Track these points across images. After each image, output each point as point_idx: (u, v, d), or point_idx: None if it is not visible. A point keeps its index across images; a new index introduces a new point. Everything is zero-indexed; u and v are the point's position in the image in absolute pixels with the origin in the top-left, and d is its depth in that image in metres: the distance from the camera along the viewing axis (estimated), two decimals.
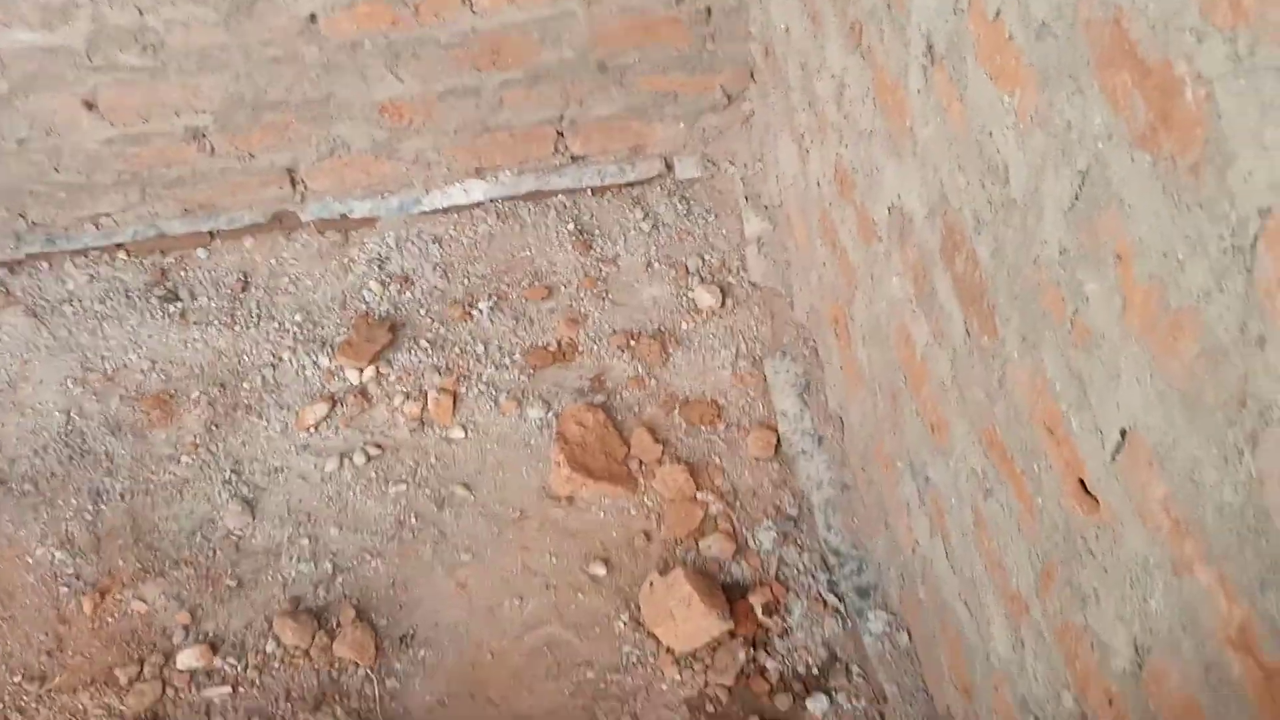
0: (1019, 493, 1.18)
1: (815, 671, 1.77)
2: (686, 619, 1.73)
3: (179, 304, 2.21)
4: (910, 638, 1.69)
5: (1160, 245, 0.82)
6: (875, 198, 1.52)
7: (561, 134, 2.32)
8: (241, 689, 1.71)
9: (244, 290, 2.26)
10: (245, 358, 2.15)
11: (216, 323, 2.20)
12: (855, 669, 1.77)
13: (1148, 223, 0.83)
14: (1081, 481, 1.03)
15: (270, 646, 1.74)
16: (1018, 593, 1.22)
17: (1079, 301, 0.96)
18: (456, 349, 2.18)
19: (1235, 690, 0.82)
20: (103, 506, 1.91)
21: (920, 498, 1.52)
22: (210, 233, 2.29)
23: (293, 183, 2.26)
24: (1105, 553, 1.00)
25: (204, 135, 2.10)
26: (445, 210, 2.37)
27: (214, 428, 2.03)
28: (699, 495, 1.97)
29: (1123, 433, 0.92)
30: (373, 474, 1.99)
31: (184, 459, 1.98)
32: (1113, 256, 0.90)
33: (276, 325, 2.20)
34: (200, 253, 2.29)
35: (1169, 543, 0.88)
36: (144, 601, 1.79)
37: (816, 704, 1.73)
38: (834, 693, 1.74)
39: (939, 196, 1.27)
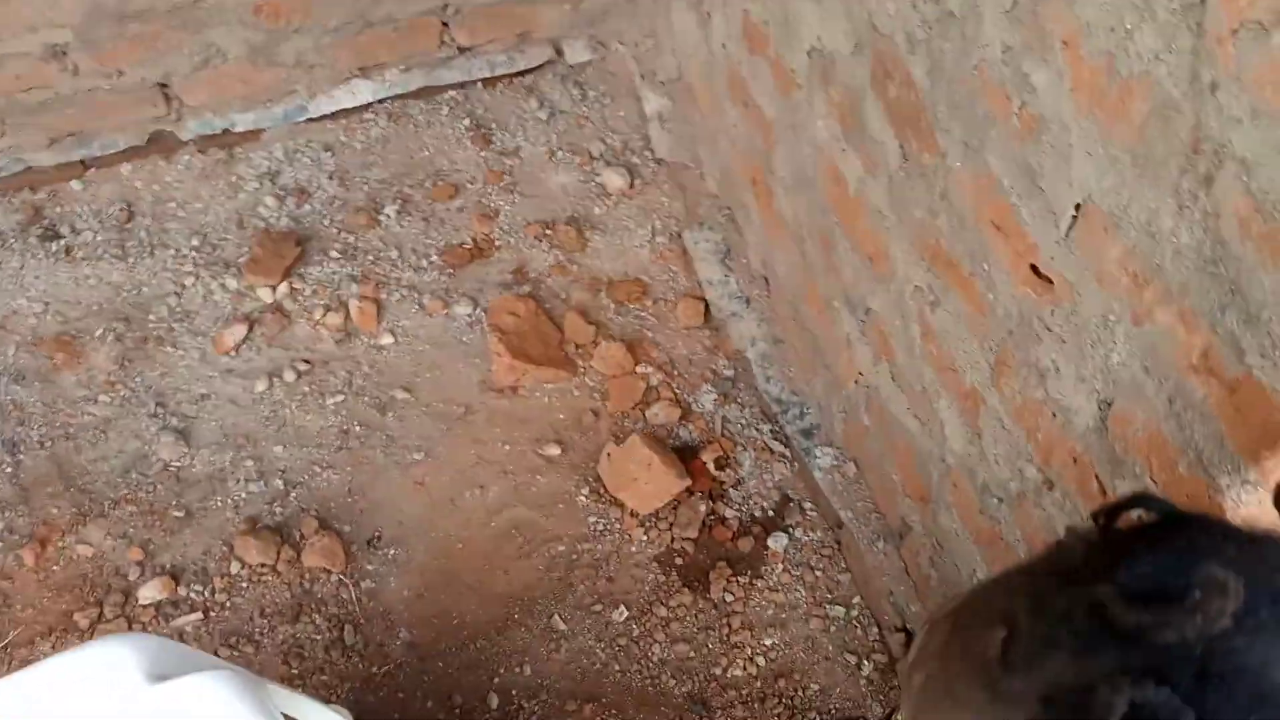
0: (968, 296, 1.27)
1: (771, 513, 1.88)
2: (649, 480, 1.79)
3: (61, 241, 2.07)
4: (858, 466, 1.81)
5: (1108, 22, 0.89)
6: (792, 46, 1.56)
7: (446, 25, 2.25)
8: (213, 613, 1.67)
9: (129, 220, 2.13)
10: (145, 289, 2.04)
11: (107, 256, 2.07)
12: (808, 505, 1.88)
13: (1094, 4, 0.90)
14: (1034, 267, 1.12)
15: (235, 568, 1.71)
16: (972, 389, 1.32)
17: (1025, 94, 1.04)
18: (370, 256, 2.13)
19: (1199, 412, 0.93)
20: (22, 457, 1.80)
21: (861, 330, 1.61)
22: (83, 162, 2.14)
23: (167, 100, 2.12)
24: (1063, 325, 1.10)
25: (65, 53, 1.94)
26: (333, 115, 2.28)
27: (127, 363, 1.93)
28: (638, 369, 2.01)
29: (1077, 207, 1.01)
30: (306, 389, 1.94)
31: (101, 398, 1.88)
32: (1059, 44, 0.97)
33: (173, 253, 2.09)
34: (75, 185, 2.13)
35: (1128, 297, 0.98)
36: (89, 544, 1.72)
37: (777, 541, 1.83)
38: (791, 529, 1.85)
39: (866, 28, 1.32)
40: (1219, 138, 0.81)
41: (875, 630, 1.75)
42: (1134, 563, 0.49)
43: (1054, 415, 1.16)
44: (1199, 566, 0.47)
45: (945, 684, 0.54)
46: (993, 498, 1.35)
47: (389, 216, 2.18)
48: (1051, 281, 1.10)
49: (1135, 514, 0.55)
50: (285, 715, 1.12)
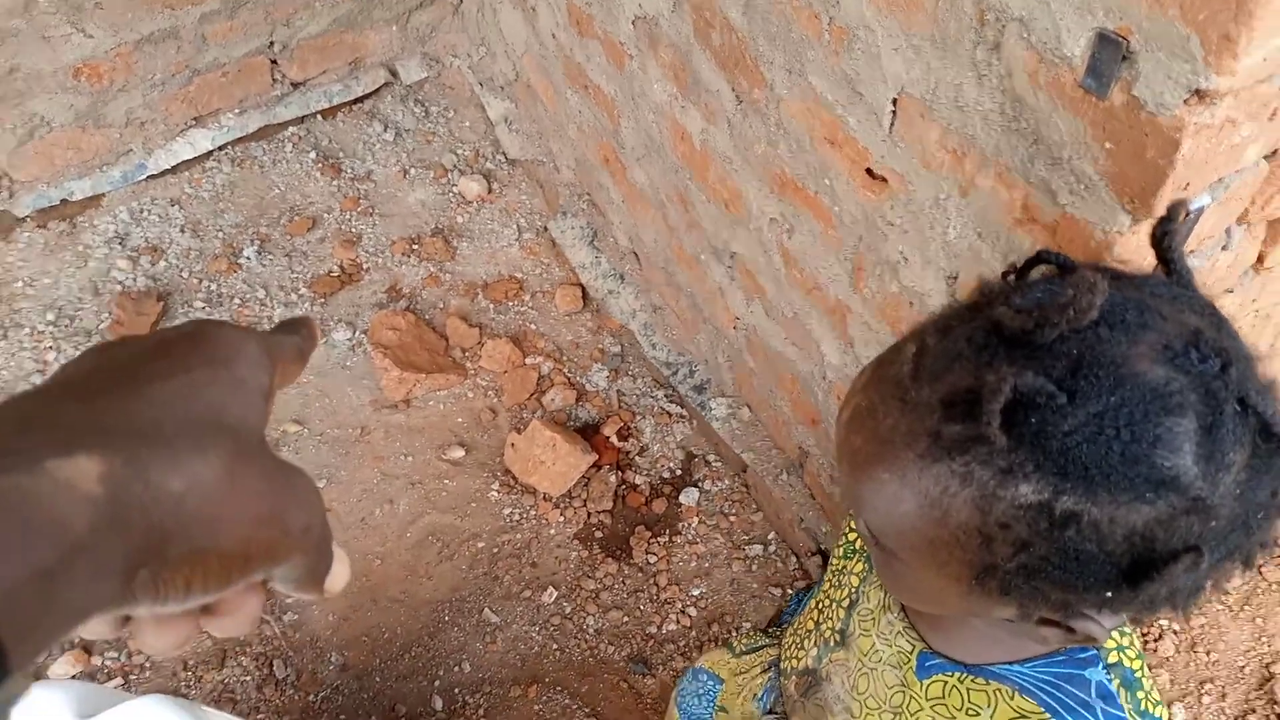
0: (817, 213, 1.36)
1: (679, 472, 1.93)
2: (555, 461, 1.83)
3: None
4: (751, 409, 1.88)
5: None
6: (616, 19, 1.63)
7: (276, 62, 2.25)
8: (133, 675, 1.62)
9: None
10: (4, 372, 1.96)
11: None
12: (712, 457, 1.94)
13: None
14: (868, 170, 1.21)
15: None
16: (838, 301, 1.41)
17: (831, 10, 1.13)
18: (236, 300, 2.10)
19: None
20: None
21: (730, 275, 1.69)
22: None
23: None
24: (901, 216, 1.19)
25: None
26: (175, 169, 2.25)
27: None
28: (528, 360, 2.05)
29: (894, 102, 1.10)
30: None
31: None
32: None
33: (28, 331, 2.02)
34: None
35: (952, 173, 1.07)
36: None
37: (688, 497, 1.89)
38: (700, 483, 1.91)
39: None
40: (998, 5, 0.91)
41: (794, 560, 1.82)
42: (1029, 289, 0.57)
43: (911, 304, 1.25)
44: (1074, 274, 0.55)
45: (867, 407, 0.59)
46: None
47: (249, 259, 2.16)
48: (886, 180, 1.19)
49: (1039, 269, 0.62)
50: None
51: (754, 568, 1.82)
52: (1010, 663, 0.74)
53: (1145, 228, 0.91)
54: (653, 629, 1.75)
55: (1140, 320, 0.53)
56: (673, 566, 1.82)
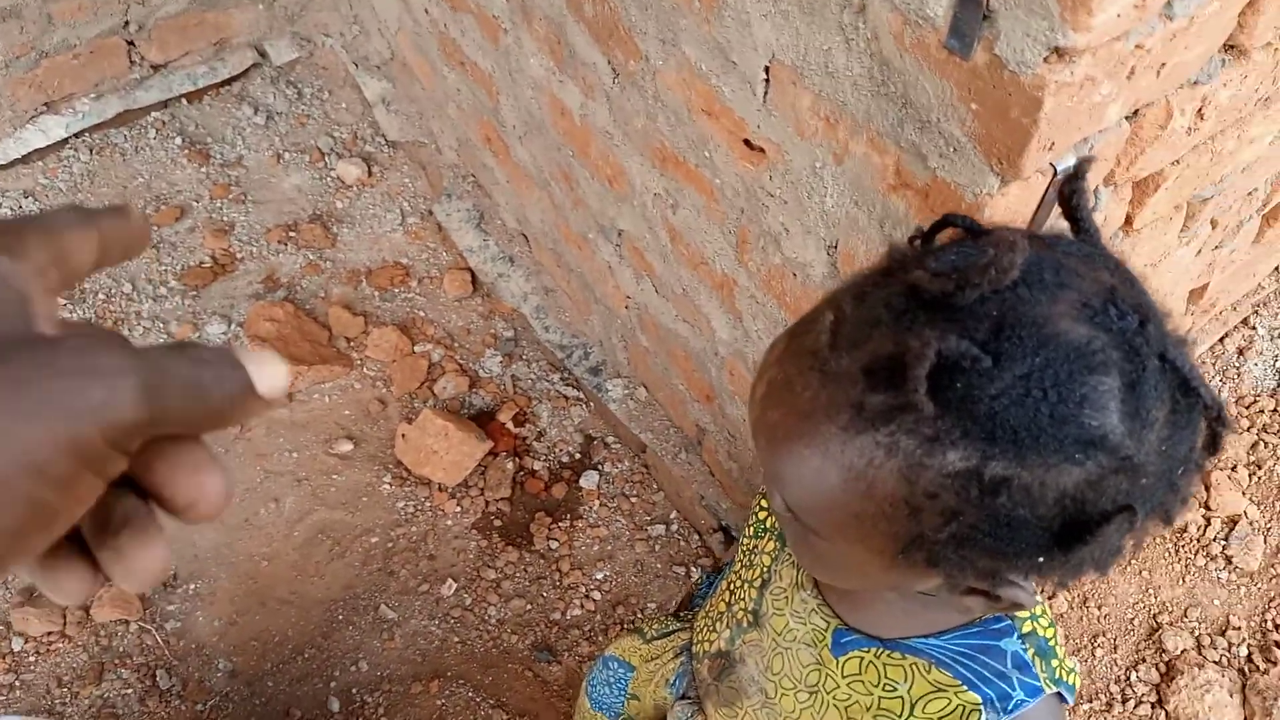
0: (700, 187, 1.34)
1: (578, 456, 1.90)
2: (449, 449, 1.78)
3: None
4: (647, 389, 1.86)
5: None
6: None
7: (133, 43, 2.12)
8: (2, 696, 1.51)
9: None
10: None
11: None
12: (610, 439, 1.92)
13: None
14: (746, 141, 1.20)
15: (18, 645, 1.55)
16: (725, 276, 1.40)
17: None
18: (101, 296, 1.98)
19: (906, 225, 1.03)
20: None
21: (619, 253, 1.66)
22: None
23: None
24: (780, 187, 1.18)
25: None
26: (26, 159, 2.10)
27: None
28: (417, 348, 1.99)
29: (766, 70, 1.09)
30: None
31: None
32: None
33: None
34: None
35: (825, 140, 1.06)
36: None
37: (588, 480, 1.86)
38: (600, 466, 1.89)
39: None
40: None
41: (696, 538, 1.81)
42: (942, 252, 0.55)
43: (794, 274, 1.25)
44: (989, 235, 0.54)
45: (784, 380, 0.56)
46: None
47: None
48: (763, 150, 1.18)
49: (945, 234, 0.61)
50: None
51: (657, 548, 1.81)
52: (926, 636, 0.73)
53: (1014, 190, 0.92)
54: (557, 615, 1.72)
55: (1057, 279, 0.52)
56: (575, 551, 1.79)
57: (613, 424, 1.91)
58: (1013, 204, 0.94)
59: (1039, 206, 0.97)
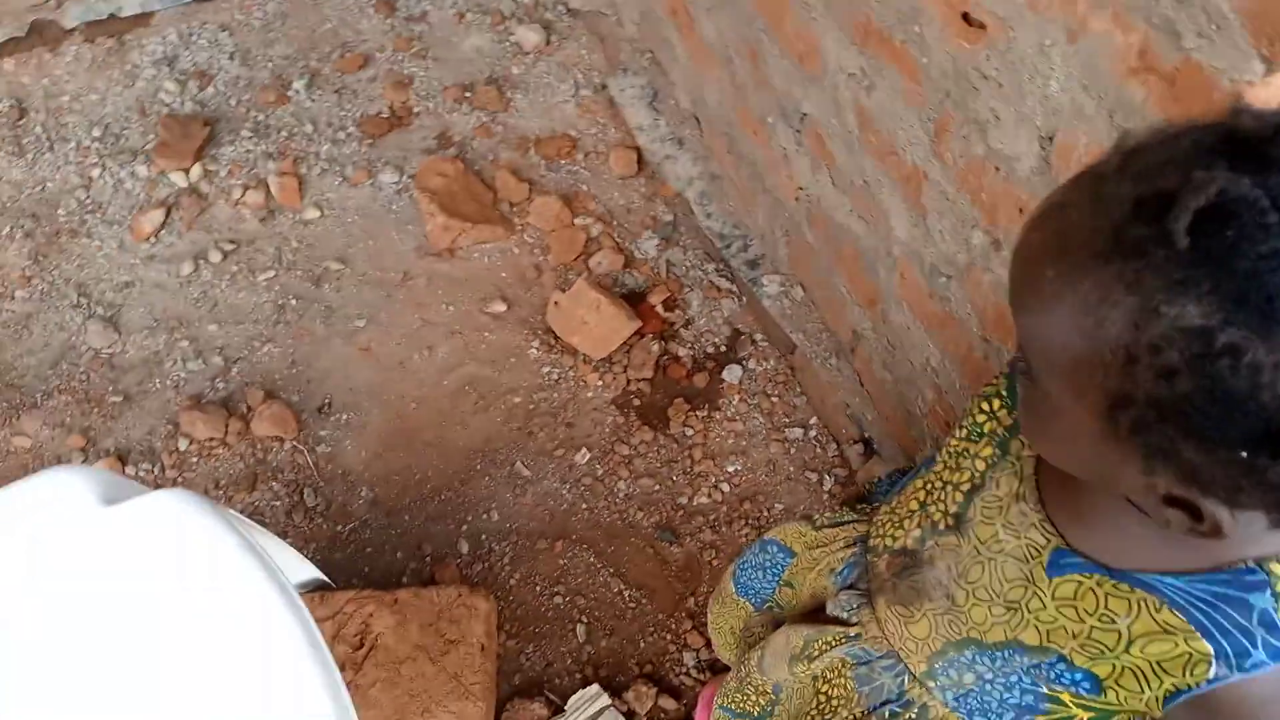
0: (902, 66, 1.26)
1: (724, 348, 1.88)
2: (599, 322, 1.78)
3: None
4: (804, 288, 1.81)
5: None
6: None
7: None
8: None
9: (22, 117, 2.02)
10: (50, 185, 1.94)
11: (2, 154, 1.96)
12: (759, 336, 1.88)
13: None
14: (965, 15, 1.11)
15: (183, 445, 1.66)
16: (914, 168, 1.32)
17: None
18: (283, 133, 2.05)
19: (1141, 116, 0.93)
20: None
21: (798, 140, 1.60)
22: None
23: None
24: (999, 68, 1.09)
25: None
26: None
27: (41, 258, 1.84)
28: (577, 221, 1.98)
29: None
30: (234, 268, 1.88)
31: (18, 294, 1.79)
32: None
33: (74, 146, 1.99)
34: None
35: (1061, 15, 0.97)
36: (26, 436, 1.65)
37: (731, 374, 1.84)
38: (744, 361, 1.86)
39: None
40: None
41: (834, 446, 1.77)
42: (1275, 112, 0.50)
43: (996, 169, 1.16)
44: None
45: (1059, 203, 0.55)
46: (941, 277, 1.36)
47: (298, 92, 2.09)
48: (984, 26, 1.09)
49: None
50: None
51: (792, 451, 1.78)
52: (1164, 573, 0.66)
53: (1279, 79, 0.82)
54: (683, 500, 1.72)
55: None
56: (709, 441, 1.78)
57: (763, 321, 1.87)
58: (1275, 96, 0.84)
59: None
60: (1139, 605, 0.67)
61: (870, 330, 1.63)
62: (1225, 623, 0.64)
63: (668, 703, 1.53)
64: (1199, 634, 0.64)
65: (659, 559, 1.66)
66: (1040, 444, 0.69)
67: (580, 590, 1.62)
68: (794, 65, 1.51)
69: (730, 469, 1.76)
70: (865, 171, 1.45)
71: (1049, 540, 0.72)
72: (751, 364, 1.86)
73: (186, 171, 1.96)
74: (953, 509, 0.82)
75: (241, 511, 1.60)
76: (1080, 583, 0.70)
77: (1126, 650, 0.68)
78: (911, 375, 1.55)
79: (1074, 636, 0.71)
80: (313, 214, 1.95)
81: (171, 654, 0.92)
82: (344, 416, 1.73)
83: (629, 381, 1.83)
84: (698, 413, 1.81)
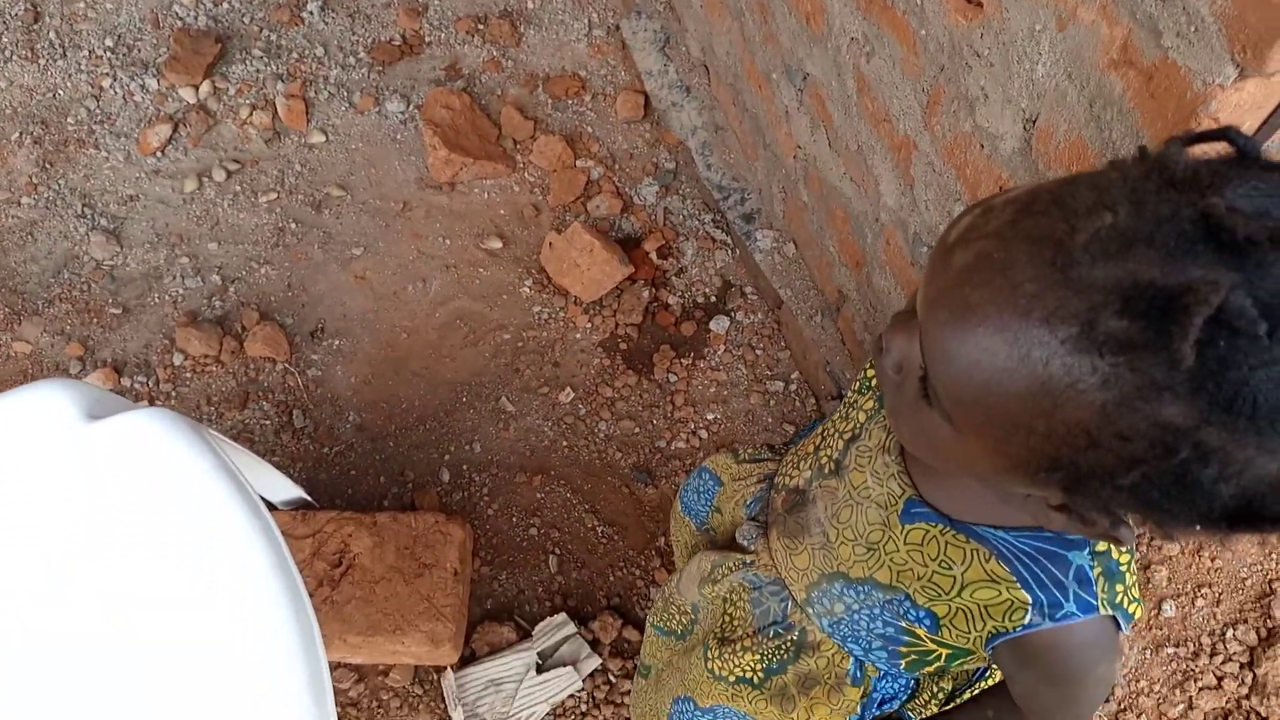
0: (902, 37, 1.26)
1: (713, 299, 1.91)
2: (591, 265, 1.80)
3: None
4: (796, 246, 1.83)
5: None
6: None
7: None
8: (158, 402, 1.68)
9: (36, 21, 2.02)
10: (60, 92, 1.95)
11: (15, 59, 1.97)
12: (748, 289, 1.91)
13: None
14: None
15: (178, 360, 1.71)
16: (905, 137, 1.33)
17: None
18: (294, 54, 2.05)
19: (1118, 109, 0.95)
20: None
21: (799, 99, 1.60)
22: None
23: None
24: (990, 47, 1.10)
25: None
26: None
27: (48, 165, 1.87)
28: (578, 163, 1.99)
29: None
30: (238, 188, 1.90)
31: (24, 200, 1.83)
32: None
33: (86, 54, 2.00)
34: None
35: (1053, 1, 0.98)
36: (26, 342, 1.70)
37: (718, 324, 1.87)
38: (733, 313, 1.89)
39: None
40: None
41: (812, 401, 1.81)
42: (1242, 185, 0.47)
43: (981, 146, 1.18)
44: None
45: (1003, 262, 0.50)
46: (923, 246, 1.38)
47: (312, 13, 2.09)
48: (981, 4, 1.09)
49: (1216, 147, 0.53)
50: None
51: (772, 403, 1.82)
52: (996, 527, 0.72)
53: (1251, 86, 0.83)
54: (661, 443, 1.77)
55: None
56: (691, 388, 1.82)
57: (754, 274, 1.90)
58: (1245, 101, 0.85)
59: (1274, 111, 0.88)
60: (972, 554, 0.73)
61: (855, 292, 1.66)
62: (1044, 576, 0.70)
63: (631, 634, 1.60)
64: (1019, 584, 0.71)
65: (633, 498, 1.72)
66: (912, 444, 0.69)
67: (555, 524, 1.68)
68: (800, 24, 1.51)
69: (710, 416, 1.80)
70: (860, 136, 1.46)
71: (904, 490, 0.78)
72: (739, 316, 1.89)
73: (196, 88, 1.97)
74: (835, 455, 0.89)
75: (230, 430, 1.65)
76: (927, 530, 0.76)
77: (959, 594, 0.75)
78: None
79: (918, 579, 0.78)
80: (318, 138, 1.96)
81: (138, 568, 0.98)
82: (335, 342, 1.77)
83: (617, 325, 1.86)
84: (682, 360, 1.84)
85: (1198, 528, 0.50)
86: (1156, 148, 0.53)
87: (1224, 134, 0.52)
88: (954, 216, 0.59)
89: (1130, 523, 0.56)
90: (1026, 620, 0.72)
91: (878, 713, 1.00)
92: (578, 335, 1.84)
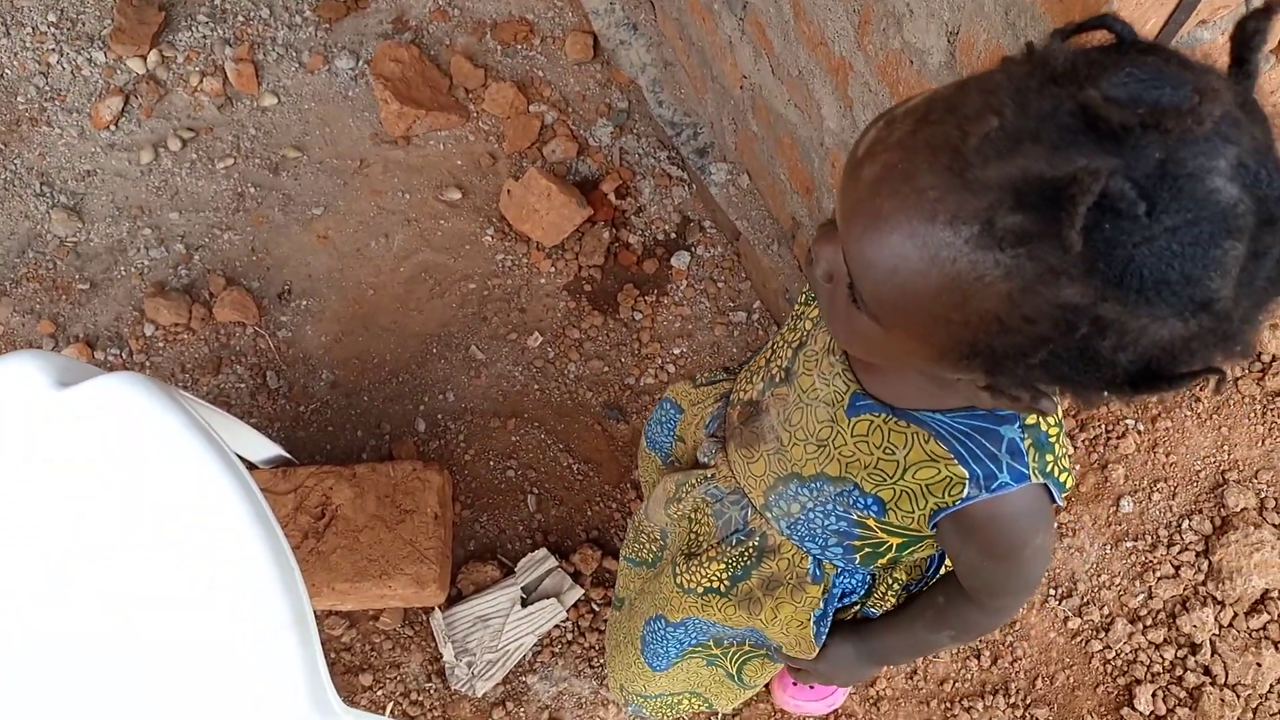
0: None
1: (673, 235, 1.93)
2: (550, 210, 1.83)
3: None
4: (750, 177, 1.86)
5: None
6: None
7: None
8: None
9: None
10: (8, 71, 1.95)
11: None
12: (707, 223, 1.93)
13: None
14: None
15: (149, 330, 1.73)
16: (841, 59, 1.36)
17: None
18: (240, 17, 2.04)
19: (1030, 14, 0.97)
20: None
21: (741, 28, 1.62)
22: None
23: None
24: None
25: None
26: None
27: (2, 146, 1.87)
28: (531, 108, 2.00)
29: None
30: (194, 156, 1.91)
31: None
32: None
33: (30, 30, 1.98)
34: None
35: None
36: None
37: (680, 260, 1.90)
38: (693, 248, 1.92)
39: None
40: None
41: (775, 328, 1.85)
42: (1117, 73, 0.50)
43: (910, 62, 1.20)
44: (1195, 74, 0.50)
45: (906, 171, 0.53)
46: None
47: None
48: None
49: (1098, 35, 0.55)
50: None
51: (735, 333, 1.86)
52: (934, 411, 0.77)
53: None
54: (630, 380, 1.81)
55: (1220, 130, 0.48)
56: (657, 325, 1.86)
57: (711, 208, 1.92)
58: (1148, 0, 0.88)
59: (1176, 9, 0.91)
60: (913, 438, 0.79)
61: (808, 218, 1.69)
62: (978, 450, 0.76)
63: (611, 564, 1.66)
64: (957, 460, 0.76)
65: (606, 435, 1.76)
66: (850, 345, 0.75)
67: (531, 464, 1.73)
68: None
69: (676, 351, 1.84)
70: (800, 61, 1.48)
71: (849, 386, 0.83)
72: (699, 250, 1.92)
73: (144, 58, 1.97)
74: (785, 363, 0.94)
75: (207, 394, 1.68)
76: (871, 421, 0.82)
77: (903, 477, 0.80)
78: None
79: (865, 467, 0.83)
80: (270, 101, 1.97)
81: (119, 528, 1.02)
82: (303, 302, 1.80)
83: (580, 268, 1.89)
84: (646, 298, 1.88)
85: (1106, 393, 0.55)
86: (1043, 41, 0.55)
87: (1102, 22, 0.56)
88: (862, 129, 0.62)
89: (1050, 395, 0.61)
90: (964, 494, 0.77)
91: (839, 605, 1.06)
92: (542, 280, 1.87)
